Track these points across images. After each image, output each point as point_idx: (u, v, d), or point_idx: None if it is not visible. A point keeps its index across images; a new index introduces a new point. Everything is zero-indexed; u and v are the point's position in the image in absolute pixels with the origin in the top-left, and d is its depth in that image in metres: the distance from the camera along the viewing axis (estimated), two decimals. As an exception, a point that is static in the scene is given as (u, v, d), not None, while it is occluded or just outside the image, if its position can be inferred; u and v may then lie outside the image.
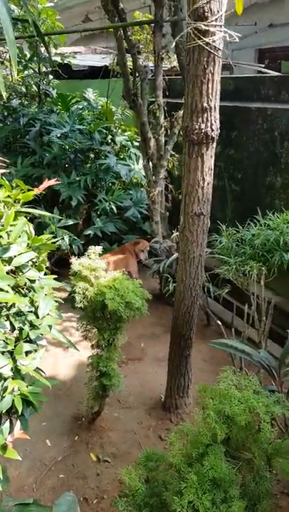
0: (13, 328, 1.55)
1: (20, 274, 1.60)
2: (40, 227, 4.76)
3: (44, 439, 3.04)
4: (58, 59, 6.04)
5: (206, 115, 2.44)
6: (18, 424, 1.55)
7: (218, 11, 2.25)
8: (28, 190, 1.77)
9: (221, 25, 2.29)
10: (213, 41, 2.28)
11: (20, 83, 6.08)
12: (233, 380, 1.98)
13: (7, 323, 1.52)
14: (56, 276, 1.81)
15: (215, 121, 2.48)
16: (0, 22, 1.92)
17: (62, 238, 4.79)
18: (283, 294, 4.13)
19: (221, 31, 2.30)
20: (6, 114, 5.95)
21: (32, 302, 1.62)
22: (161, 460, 2.06)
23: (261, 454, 1.85)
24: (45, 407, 3.30)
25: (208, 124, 2.46)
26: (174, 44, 3.66)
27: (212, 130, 2.47)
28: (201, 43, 2.28)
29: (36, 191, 1.79)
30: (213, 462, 1.72)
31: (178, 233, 3.06)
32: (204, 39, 2.26)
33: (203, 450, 1.80)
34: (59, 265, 4.99)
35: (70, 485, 2.67)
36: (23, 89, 6.22)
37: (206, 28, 2.24)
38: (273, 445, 1.88)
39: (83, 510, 2.53)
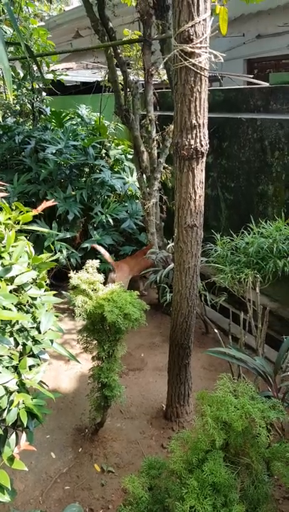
0: (16, 344, 1.62)
1: (22, 292, 1.67)
2: (38, 240, 4.86)
3: (48, 451, 3.08)
4: (51, 76, 6.17)
5: (195, 132, 2.51)
6: (23, 437, 1.61)
7: (202, 34, 2.33)
8: (27, 211, 1.85)
9: (206, 47, 2.37)
10: (199, 62, 2.35)
11: (15, 102, 6.19)
12: (230, 386, 2.04)
13: (11, 340, 1.59)
14: (56, 292, 1.88)
15: (204, 137, 2.55)
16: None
17: (61, 251, 4.88)
18: (279, 300, 4.20)
19: (206, 52, 2.38)
20: (1, 132, 6.05)
21: (34, 318, 1.69)
22: (163, 467, 2.11)
23: (259, 459, 1.90)
24: (49, 419, 3.34)
25: (198, 140, 2.53)
26: (163, 62, 3.76)
27: (201, 146, 2.54)
28: (187, 64, 2.35)
29: (34, 212, 1.87)
30: (213, 467, 1.77)
31: (173, 244, 3.14)
32: (190, 60, 2.34)
33: (203, 456, 1.84)
34: (58, 279, 5.09)
35: (75, 496, 2.71)
36: (18, 108, 6.33)
37: (192, 50, 2.32)
38: (270, 449, 1.94)
39: (89, 521, 2.57)
